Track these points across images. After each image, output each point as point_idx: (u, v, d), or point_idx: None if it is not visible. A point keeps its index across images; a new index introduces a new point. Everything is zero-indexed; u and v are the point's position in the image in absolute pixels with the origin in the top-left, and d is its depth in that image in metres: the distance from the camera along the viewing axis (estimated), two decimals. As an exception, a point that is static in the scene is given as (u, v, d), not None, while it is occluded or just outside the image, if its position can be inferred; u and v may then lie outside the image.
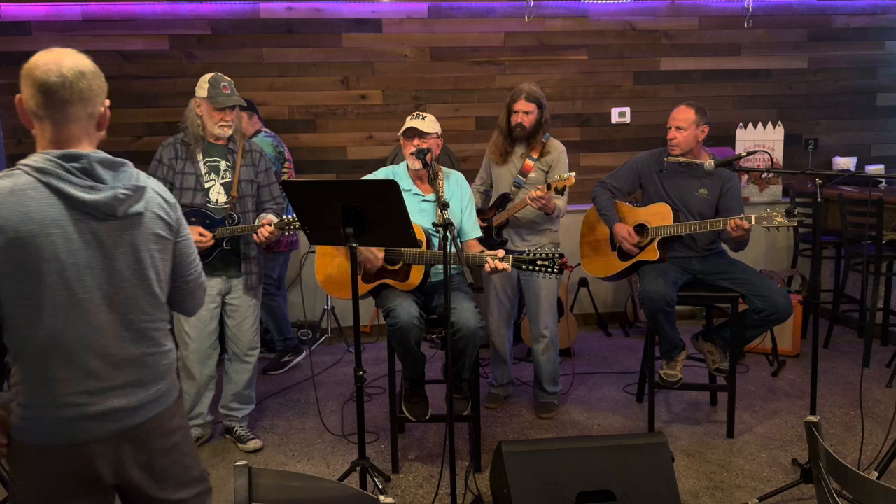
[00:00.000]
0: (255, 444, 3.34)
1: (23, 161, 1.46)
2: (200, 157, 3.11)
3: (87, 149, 1.52)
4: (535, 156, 3.46)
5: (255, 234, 3.07)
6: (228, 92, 3.06)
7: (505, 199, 3.54)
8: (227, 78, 3.10)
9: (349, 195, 2.43)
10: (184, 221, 1.69)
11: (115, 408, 1.54)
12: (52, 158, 1.45)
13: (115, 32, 4.70)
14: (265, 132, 4.19)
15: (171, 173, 3.07)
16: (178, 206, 1.68)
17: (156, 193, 1.61)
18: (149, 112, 4.75)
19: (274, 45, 4.83)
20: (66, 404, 1.50)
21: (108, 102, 1.57)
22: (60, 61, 1.47)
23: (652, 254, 3.29)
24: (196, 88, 3.08)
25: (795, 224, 2.92)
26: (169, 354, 1.66)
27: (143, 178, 1.58)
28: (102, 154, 1.51)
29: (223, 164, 3.14)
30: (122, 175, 1.52)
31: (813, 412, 2.85)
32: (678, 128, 3.26)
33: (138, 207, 1.54)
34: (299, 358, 4.43)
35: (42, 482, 1.52)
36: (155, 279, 1.59)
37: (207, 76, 3.07)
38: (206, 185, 3.10)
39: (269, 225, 3.04)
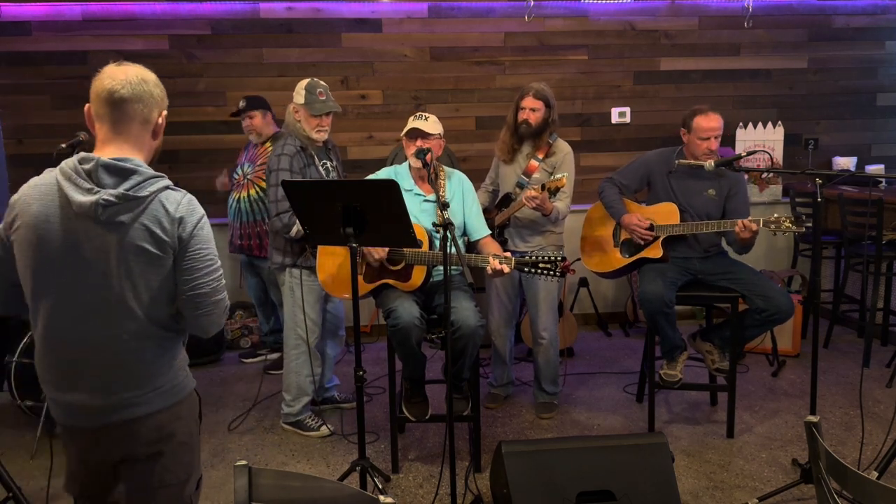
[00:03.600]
0: (349, 405, 3.69)
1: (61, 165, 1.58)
2: (317, 161, 3.24)
3: (136, 154, 1.60)
4: (540, 156, 3.45)
5: None
6: (324, 98, 3.17)
7: (508, 198, 3.53)
8: (322, 83, 3.20)
9: (349, 195, 2.43)
10: (199, 237, 1.61)
11: (75, 403, 1.62)
12: (74, 159, 1.55)
13: (115, 32, 4.70)
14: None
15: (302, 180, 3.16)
16: (193, 222, 1.60)
17: (161, 207, 1.57)
18: (149, 112, 4.74)
19: (274, 45, 4.82)
20: (46, 385, 1.65)
21: (165, 114, 1.66)
22: (127, 70, 1.60)
23: (656, 251, 3.29)
24: (294, 94, 3.19)
25: (804, 230, 2.92)
26: (145, 368, 1.63)
27: (155, 189, 1.57)
28: (111, 160, 1.54)
29: (329, 165, 3.30)
30: (124, 183, 1.54)
31: (813, 412, 2.85)
32: (717, 137, 3.26)
33: (123, 217, 1.53)
34: None
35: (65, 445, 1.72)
36: (129, 290, 1.57)
37: (304, 82, 3.18)
38: None
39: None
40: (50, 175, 1.57)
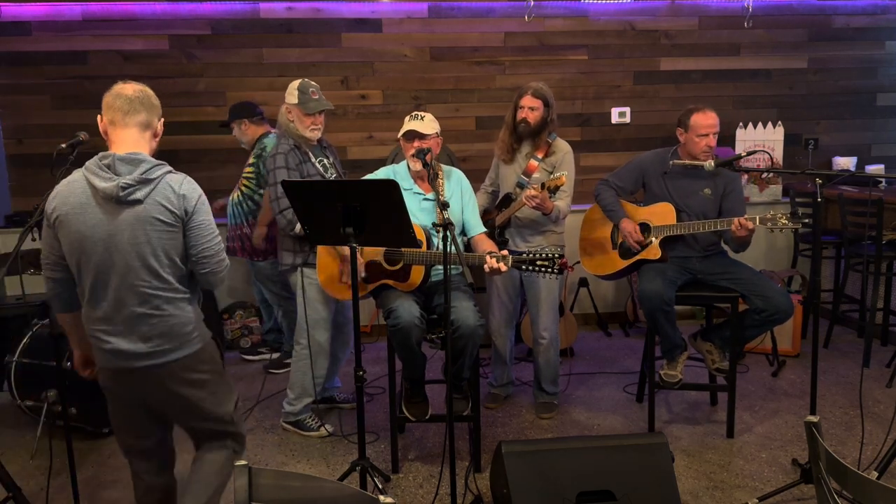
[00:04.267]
0: (349, 406, 3.73)
1: (85, 165, 2.03)
2: (313, 158, 3.27)
3: (141, 150, 2.04)
4: (539, 156, 3.45)
5: None
6: (317, 97, 3.21)
7: (508, 199, 3.53)
8: (313, 83, 3.24)
9: (349, 195, 2.43)
10: (200, 210, 2.07)
11: (122, 349, 2.05)
12: (95, 158, 2.01)
13: (115, 32, 4.70)
14: (275, 132, 4.19)
15: (299, 177, 3.19)
16: (195, 198, 2.06)
17: (168, 186, 2.02)
18: (149, 112, 4.74)
19: (274, 45, 4.83)
20: (94, 338, 2.08)
21: (163, 120, 2.13)
22: (133, 86, 2.07)
23: (654, 252, 3.29)
24: (286, 95, 3.22)
25: (800, 226, 2.92)
26: (169, 319, 2.07)
27: (161, 173, 2.03)
28: (125, 154, 2.00)
29: (326, 162, 3.34)
30: (136, 170, 1.99)
31: (813, 412, 2.85)
32: (715, 133, 3.26)
33: (139, 195, 1.98)
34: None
35: (106, 390, 2.18)
36: (150, 253, 2.02)
37: (296, 83, 3.22)
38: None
39: None
40: (78, 173, 2.03)
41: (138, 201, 1.98)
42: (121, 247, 1.99)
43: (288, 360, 4.38)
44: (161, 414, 2.20)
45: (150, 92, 2.09)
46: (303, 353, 3.41)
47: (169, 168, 2.05)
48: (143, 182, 1.98)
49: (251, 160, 4.17)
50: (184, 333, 2.09)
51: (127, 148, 2.02)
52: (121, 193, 1.96)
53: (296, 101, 3.18)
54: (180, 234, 2.05)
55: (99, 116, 2.05)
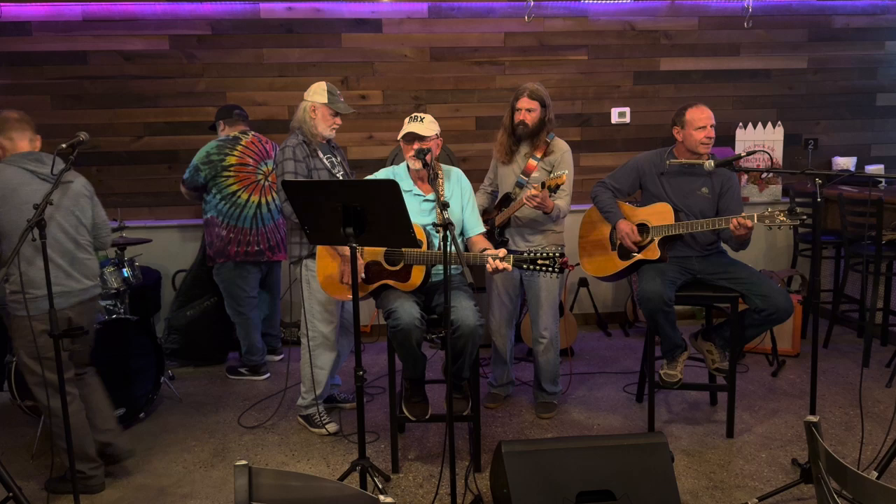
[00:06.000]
0: (349, 405, 3.76)
1: (5, 159, 2.78)
2: (320, 154, 3.37)
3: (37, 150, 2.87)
4: (538, 155, 3.46)
5: None
6: (343, 100, 3.38)
7: (507, 199, 3.53)
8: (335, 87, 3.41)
9: (349, 195, 2.43)
10: (95, 195, 2.99)
11: (78, 288, 2.84)
12: (17, 156, 2.79)
13: (115, 32, 4.70)
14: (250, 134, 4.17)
15: (306, 169, 3.29)
16: (92, 188, 2.98)
17: (82, 178, 2.95)
18: (148, 112, 4.75)
19: (274, 45, 4.83)
20: (54, 285, 2.59)
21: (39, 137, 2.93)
22: (14, 111, 2.88)
23: (653, 253, 3.29)
24: (311, 95, 3.33)
25: (798, 223, 2.92)
26: (94, 262, 2.95)
27: (72, 169, 2.79)
28: (45, 155, 2.82)
29: (334, 160, 3.42)
30: (57, 163, 2.75)
31: (813, 412, 2.85)
32: (712, 125, 3.27)
33: (70, 178, 2.85)
34: (256, 377, 4.29)
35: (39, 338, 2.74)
36: (83, 217, 2.90)
37: (323, 84, 3.35)
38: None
39: None
40: (7, 166, 2.74)
41: (70, 181, 2.84)
42: (65, 211, 2.80)
43: (240, 370, 4.31)
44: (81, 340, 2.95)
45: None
46: (310, 346, 3.45)
47: None
48: (69, 170, 2.74)
49: None
50: (96, 276, 2.98)
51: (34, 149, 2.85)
52: (58, 177, 2.66)
53: (325, 100, 3.30)
54: (92, 208, 2.94)
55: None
